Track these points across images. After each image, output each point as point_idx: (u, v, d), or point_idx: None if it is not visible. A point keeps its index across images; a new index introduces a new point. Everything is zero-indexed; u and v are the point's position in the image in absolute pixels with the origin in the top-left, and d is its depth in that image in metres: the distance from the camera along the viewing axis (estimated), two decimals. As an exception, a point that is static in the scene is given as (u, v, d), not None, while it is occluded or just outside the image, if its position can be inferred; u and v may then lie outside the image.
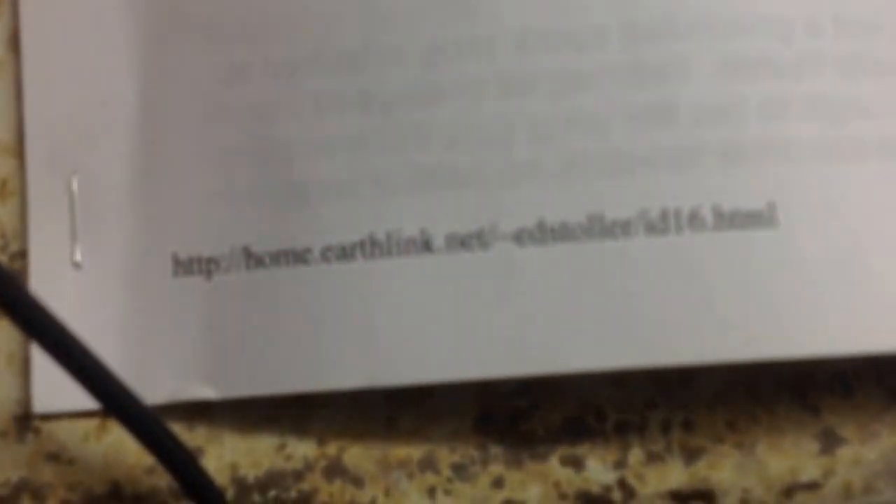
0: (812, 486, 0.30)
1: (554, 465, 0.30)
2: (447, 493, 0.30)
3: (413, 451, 0.31)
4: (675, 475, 0.30)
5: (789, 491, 0.30)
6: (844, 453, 0.30)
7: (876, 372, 0.30)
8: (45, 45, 0.31)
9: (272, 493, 0.30)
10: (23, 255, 0.31)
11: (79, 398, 0.28)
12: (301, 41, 0.29)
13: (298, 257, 0.29)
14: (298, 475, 0.31)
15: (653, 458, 0.30)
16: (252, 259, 0.29)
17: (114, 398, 0.27)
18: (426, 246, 0.29)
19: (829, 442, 0.30)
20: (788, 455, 0.30)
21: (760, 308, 0.28)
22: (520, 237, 0.29)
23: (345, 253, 0.29)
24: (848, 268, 0.28)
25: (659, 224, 0.28)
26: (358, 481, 0.31)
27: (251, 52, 0.30)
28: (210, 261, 0.30)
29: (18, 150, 0.31)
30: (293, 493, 0.30)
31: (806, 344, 0.28)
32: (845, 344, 0.28)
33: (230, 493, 0.30)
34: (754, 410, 0.30)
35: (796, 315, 0.28)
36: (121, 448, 0.31)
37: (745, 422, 0.30)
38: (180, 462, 0.28)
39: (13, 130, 0.31)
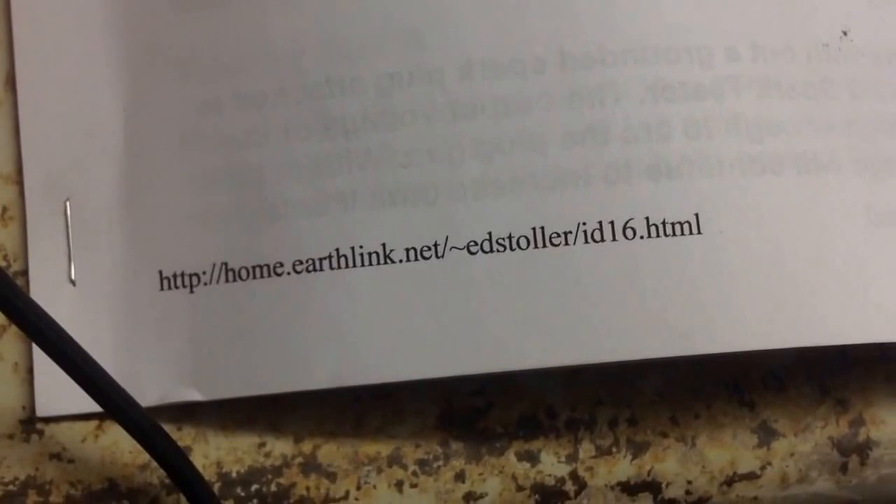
0: (750, 477, 0.32)
1: (511, 460, 0.32)
2: (413, 486, 0.32)
3: (381, 448, 0.33)
4: (623, 468, 0.32)
5: (729, 481, 0.32)
6: (780, 446, 0.32)
7: (806, 368, 0.32)
8: (38, 83, 0.33)
9: (254, 488, 0.33)
10: (24, 273, 0.33)
11: (78, 403, 0.31)
12: (268, 76, 0.32)
13: (272, 270, 0.31)
14: (277, 471, 0.33)
15: (602, 452, 0.32)
16: (230, 273, 0.32)
17: (113, 401, 0.29)
18: (387, 257, 0.31)
19: (766, 435, 0.32)
20: (728, 448, 0.32)
21: (689, 308, 0.30)
22: (471, 248, 0.31)
23: (314, 265, 0.31)
24: (766, 270, 0.30)
25: (595, 234, 0.30)
26: (331, 476, 0.33)
27: (223, 86, 0.32)
28: (192, 276, 0.32)
29: (17, 179, 0.33)
30: (273, 487, 0.33)
31: (731, 339, 0.30)
32: (766, 339, 0.30)
33: (216, 488, 0.32)
34: (695, 407, 0.32)
35: (722, 313, 0.30)
36: (116, 448, 0.33)
37: (687, 418, 0.32)
38: (173, 459, 0.30)
39: (12, 161, 0.33)
